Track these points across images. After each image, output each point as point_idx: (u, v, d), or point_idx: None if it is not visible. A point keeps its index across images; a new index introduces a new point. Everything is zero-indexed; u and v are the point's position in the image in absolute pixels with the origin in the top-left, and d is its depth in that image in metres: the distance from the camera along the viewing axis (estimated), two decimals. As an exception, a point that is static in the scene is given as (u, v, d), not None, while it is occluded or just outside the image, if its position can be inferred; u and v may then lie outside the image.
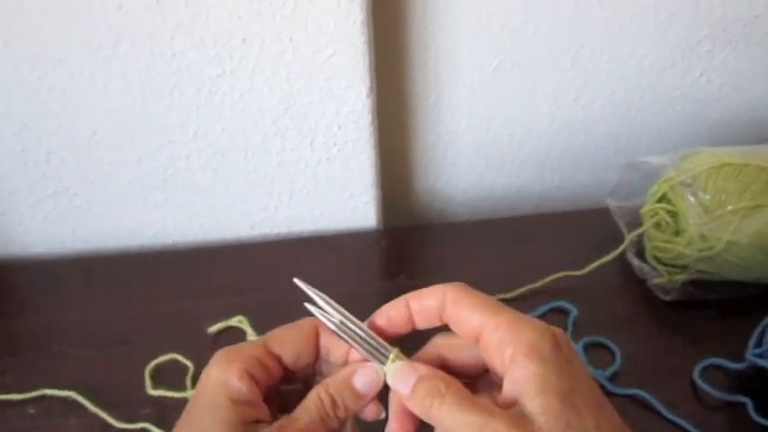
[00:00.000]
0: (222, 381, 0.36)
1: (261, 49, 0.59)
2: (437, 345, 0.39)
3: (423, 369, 0.37)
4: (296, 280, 0.39)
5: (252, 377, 0.36)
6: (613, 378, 0.55)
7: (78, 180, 0.65)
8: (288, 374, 0.40)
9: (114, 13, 0.55)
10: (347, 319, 0.39)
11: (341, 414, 0.37)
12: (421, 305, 0.38)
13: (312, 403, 0.37)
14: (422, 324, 0.39)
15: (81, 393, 0.53)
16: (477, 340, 0.37)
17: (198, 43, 0.58)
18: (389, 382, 0.38)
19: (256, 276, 0.66)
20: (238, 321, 0.59)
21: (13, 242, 0.68)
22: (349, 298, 0.62)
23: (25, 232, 0.68)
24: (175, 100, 0.61)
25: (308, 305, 0.39)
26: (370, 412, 0.39)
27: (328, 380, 0.38)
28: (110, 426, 0.51)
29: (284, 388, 0.40)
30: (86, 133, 0.62)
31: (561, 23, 0.67)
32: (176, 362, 0.56)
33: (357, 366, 0.38)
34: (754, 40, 0.70)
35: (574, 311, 0.60)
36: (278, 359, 0.38)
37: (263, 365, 0.37)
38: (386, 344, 0.38)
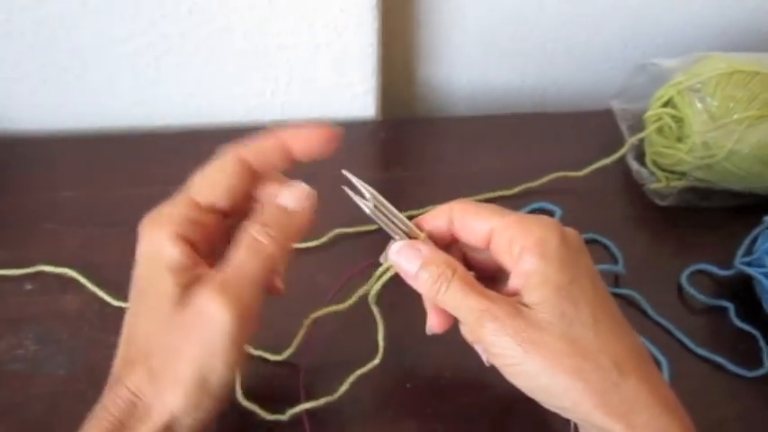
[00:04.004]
0: (153, 253, 0.35)
1: None
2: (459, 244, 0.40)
3: (425, 250, 0.38)
4: (344, 171, 0.38)
5: (185, 239, 0.35)
6: (605, 277, 0.56)
7: (68, 53, 0.62)
8: (229, 215, 0.37)
9: None
10: (381, 204, 0.39)
11: (274, 233, 0.35)
12: (432, 227, 0.39)
13: (242, 238, 0.35)
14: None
15: (78, 271, 0.53)
16: (487, 244, 0.38)
17: None
18: (391, 258, 0.39)
19: (252, 162, 0.65)
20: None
21: (2, 117, 0.66)
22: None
23: (14, 107, 0.65)
24: (170, -29, 0.57)
25: (345, 188, 0.38)
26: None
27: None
28: (107, 303, 0.52)
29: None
30: (76, 2, 0.58)
31: None
32: (172, 244, 0.56)
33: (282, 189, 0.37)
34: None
35: (558, 212, 0.60)
36: (210, 208, 0.36)
37: (195, 222, 0.35)
38: (416, 229, 0.39)
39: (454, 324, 0.39)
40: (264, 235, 0.35)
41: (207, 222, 0.36)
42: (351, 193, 0.38)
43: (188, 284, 0.34)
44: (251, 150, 0.37)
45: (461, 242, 0.40)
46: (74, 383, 0.47)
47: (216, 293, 0.33)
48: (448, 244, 0.40)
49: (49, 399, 0.46)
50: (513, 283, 0.36)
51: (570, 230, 0.37)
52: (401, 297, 0.39)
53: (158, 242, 0.35)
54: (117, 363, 0.36)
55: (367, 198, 0.38)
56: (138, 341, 0.35)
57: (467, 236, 0.39)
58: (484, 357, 0.39)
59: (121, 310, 0.51)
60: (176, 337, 0.34)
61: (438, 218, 0.39)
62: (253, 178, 0.37)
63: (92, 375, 0.48)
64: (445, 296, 0.36)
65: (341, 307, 0.48)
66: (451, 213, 0.39)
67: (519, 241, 0.36)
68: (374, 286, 0.42)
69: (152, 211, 0.36)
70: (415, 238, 0.39)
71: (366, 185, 0.39)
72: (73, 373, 0.48)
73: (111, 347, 0.49)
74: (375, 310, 0.43)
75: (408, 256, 0.37)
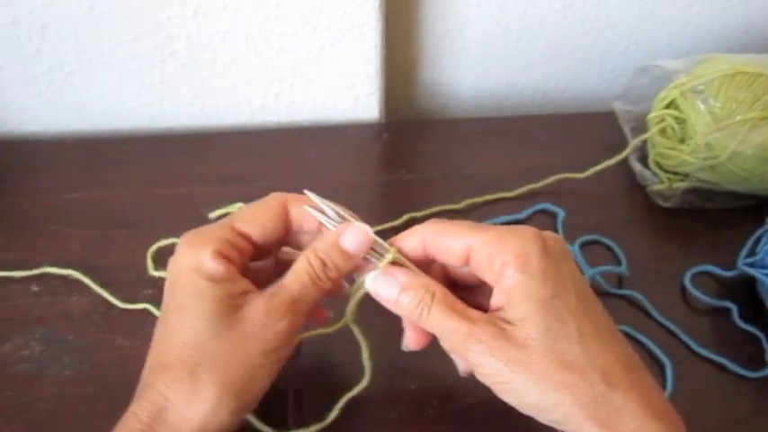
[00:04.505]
0: (195, 265, 0.36)
1: None
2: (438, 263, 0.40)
3: (401, 276, 0.37)
4: (306, 191, 0.39)
5: (224, 257, 0.37)
6: (609, 279, 0.56)
7: (74, 56, 0.62)
8: (257, 251, 0.40)
9: None
10: (346, 220, 0.39)
11: (332, 275, 0.38)
12: (405, 250, 0.39)
13: (302, 268, 0.38)
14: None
15: (83, 273, 0.53)
16: (466, 262, 0.37)
17: None
18: (368, 287, 0.38)
19: (256, 164, 0.65)
20: (239, 209, 0.59)
21: (8, 120, 0.66)
22: (348, 190, 0.63)
23: (20, 109, 0.66)
24: (175, -26, 0.58)
25: (308, 208, 0.39)
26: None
27: (315, 244, 0.38)
28: (112, 305, 0.52)
29: (254, 265, 0.41)
30: (83, 6, 0.59)
31: None
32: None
33: (344, 228, 0.38)
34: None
35: (561, 214, 0.60)
36: (247, 238, 0.39)
37: (233, 245, 0.38)
38: (385, 244, 0.39)
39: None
40: (324, 275, 0.37)
41: (241, 247, 0.38)
42: (313, 211, 0.38)
43: (235, 295, 0.36)
44: (294, 200, 0.39)
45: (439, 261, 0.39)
46: (79, 384, 0.47)
47: (281, 311, 0.36)
48: (428, 261, 0.39)
49: (55, 400, 0.47)
50: (497, 298, 0.36)
51: (552, 237, 0.37)
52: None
53: (199, 256, 0.36)
54: (147, 369, 0.37)
55: (330, 216, 0.38)
56: (180, 346, 0.36)
57: (442, 256, 0.38)
58: (459, 368, 0.40)
59: (127, 312, 0.52)
60: (228, 345, 0.35)
61: (409, 240, 0.39)
62: (286, 226, 0.40)
63: (97, 376, 0.48)
64: (428, 320, 0.36)
65: (329, 330, 0.47)
66: (424, 235, 0.38)
67: (499, 256, 0.35)
68: (350, 307, 0.41)
69: (193, 229, 0.38)
70: (385, 251, 0.38)
71: (329, 203, 0.39)
72: (79, 375, 0.48)
73: (116, 349, 0.50)
74: (355, 330, 0.43)
75: (385, 284, 0.37)
